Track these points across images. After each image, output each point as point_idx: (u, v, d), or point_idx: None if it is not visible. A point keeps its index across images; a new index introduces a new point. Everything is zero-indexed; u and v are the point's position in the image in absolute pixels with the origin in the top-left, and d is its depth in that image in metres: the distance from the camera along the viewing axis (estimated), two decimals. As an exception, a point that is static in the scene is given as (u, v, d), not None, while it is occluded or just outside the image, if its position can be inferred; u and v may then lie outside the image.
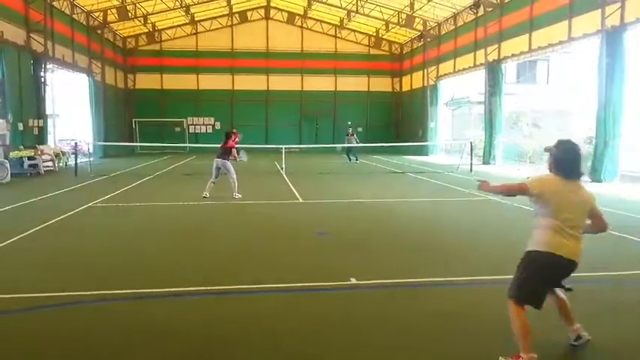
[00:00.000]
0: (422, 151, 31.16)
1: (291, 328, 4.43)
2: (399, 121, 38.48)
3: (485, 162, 23.47)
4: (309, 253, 7.11)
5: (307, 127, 37.83)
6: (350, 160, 24.17)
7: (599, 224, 3.89)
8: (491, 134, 23.59)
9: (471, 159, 20.03)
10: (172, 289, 5.38)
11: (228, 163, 12.06)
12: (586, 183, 15.65)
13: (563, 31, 18.64)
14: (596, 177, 15.94)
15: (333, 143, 32.27)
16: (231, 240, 7.96)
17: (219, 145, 12.34)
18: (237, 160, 12.31)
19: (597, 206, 3.84)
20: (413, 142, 30.75)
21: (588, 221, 3.85)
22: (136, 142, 33.93)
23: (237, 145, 12.38)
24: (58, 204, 11.23)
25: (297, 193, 13.21)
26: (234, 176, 12.11)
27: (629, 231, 8.25)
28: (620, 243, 7.67)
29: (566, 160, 3.74)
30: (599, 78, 16.04)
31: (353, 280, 5.65)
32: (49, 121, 28.39)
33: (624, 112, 15.69)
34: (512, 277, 3.80)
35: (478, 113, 27.92)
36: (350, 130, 25.79)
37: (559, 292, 3.93)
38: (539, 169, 20.43)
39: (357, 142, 24.81)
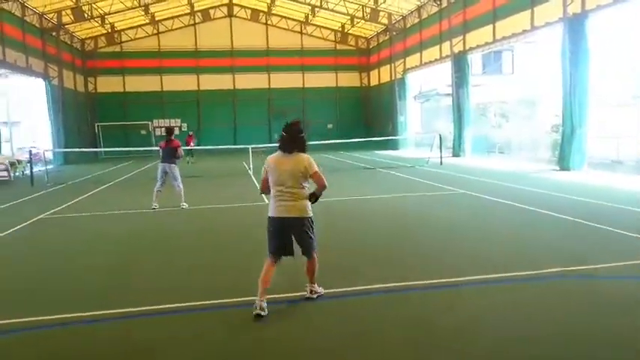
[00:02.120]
0: (393, 145, 30.99)
1: (241, 348, 3.99)
2: (369, 116, 38.28)
3: (455, 154, 23.41)
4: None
5: (276, 125, 37.16)
6: None
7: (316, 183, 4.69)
8: (459, 126, 23.52)
9: (441, 152, 19.88)
10: (102, 312, 4.87)
11: (176, 168, 10.88)
12: (553, 171, 15.64)
13: (526, 21, 18.62)
14: (563, 165, 15.92)
15: (304, 141, 31.74)
16: (186, 252, 7.45)
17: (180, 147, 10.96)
18: (181, 158, 11.14)
19: (312, 169, 4.60)
20: (383, 136, 30.50)
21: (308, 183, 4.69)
22: (100, 146, 32.81)
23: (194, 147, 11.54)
24: (4, 218, 10.47)
25: (264, 195, 12.70)
26: (181, 184, 10.98)
27: (600, 220, 8.06)
28: (591, 233, 7.46)
29: (281, 137, 4.67)
30: (563, 66, 16.02)
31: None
32: (7, 129, 27.29)
33: (590, 100, 15.68)
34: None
35: (447, 105, 27.87)
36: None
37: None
38: (508, 160, 20.43)
39: None
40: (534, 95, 26.59)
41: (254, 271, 4.89)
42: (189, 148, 24.05)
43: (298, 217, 4.66)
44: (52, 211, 11.21)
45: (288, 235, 4.73)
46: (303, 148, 4.68)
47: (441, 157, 19.69)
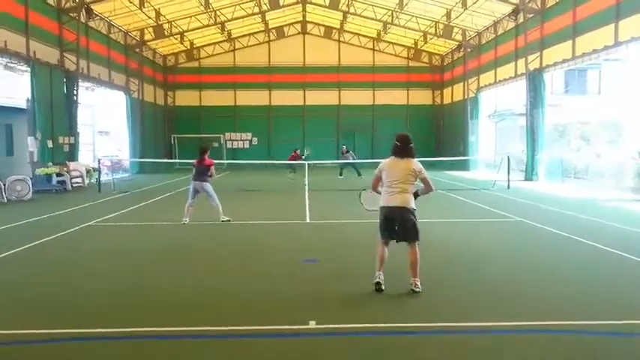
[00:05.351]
0: (463, 165, 29.66)
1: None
2: (440, 135, 37.07)
3: (528, 178, 21.87)
4: (280, 284, 6.31)
5: (345, 141, 36.89)
6: (341, 175, 24.48)
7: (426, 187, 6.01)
8: (533, 148, 21.99)
9: (509, 175, 18.60)
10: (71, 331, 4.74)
11: (208, 185, 10.83)
12: (634, 202, 14.07)
13: (609, 36, 17.09)
14: (646, 195, 14.27)
15: (372, 158, 31.17)
16: (195, 270, 7.28)
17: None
18: (213, 177, 10.92)
19: (423, 174, 5.87)
20: (454, 156, 29.24)
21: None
22: (175, 157, 34.26)
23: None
24: (58, 223, 10.96)
25: (307, 213, 12.44)
26: (217, 199, 10.89)
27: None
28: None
29: (393, 145, 5.93)
30: (649, 85, 14.46)
31: (312, 324, 4.79)
32: (97, 138, 29.22)
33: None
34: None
35: (523, 126, 26.27)
36: (344, 147, 25.06)
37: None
38: (585, 186, 18.75)
39: (353, 159, 24.35)
40: (621, 118, 24.43)
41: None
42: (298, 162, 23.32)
43: (404, 206, 5.72)
44: (103, 218, 11.63)
45: (393, 221, 5.75)
46: (412, 155, 5.86)
47: (508, 181, 18.41)
